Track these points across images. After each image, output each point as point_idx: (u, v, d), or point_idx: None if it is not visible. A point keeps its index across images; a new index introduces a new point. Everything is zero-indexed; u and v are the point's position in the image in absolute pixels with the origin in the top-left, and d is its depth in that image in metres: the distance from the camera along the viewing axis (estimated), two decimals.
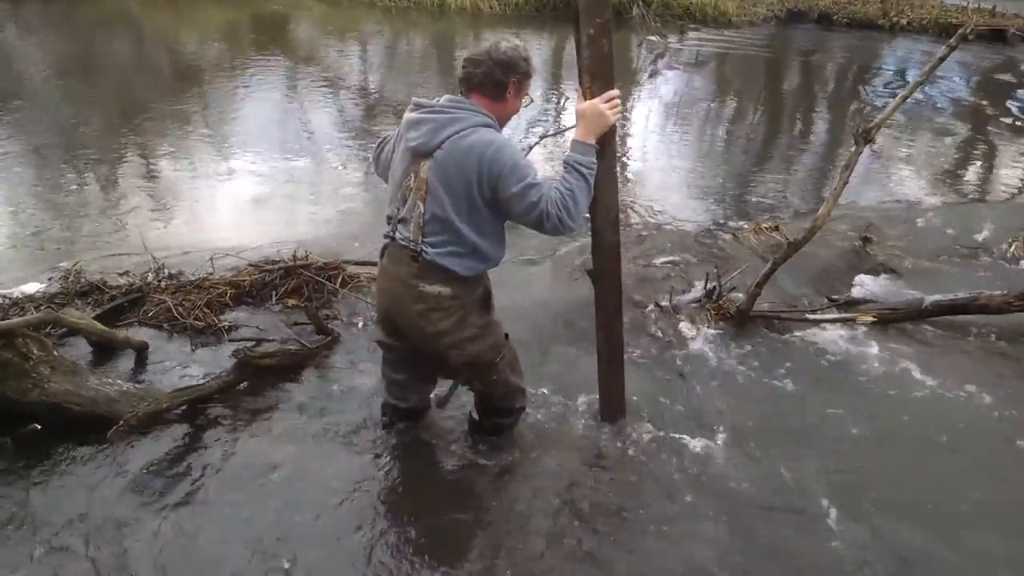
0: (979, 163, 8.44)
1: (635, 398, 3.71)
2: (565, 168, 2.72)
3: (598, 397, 3.60)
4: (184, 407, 3.49)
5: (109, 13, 14.96)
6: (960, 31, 4.19)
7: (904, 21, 16.59)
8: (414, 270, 2.81)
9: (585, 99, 2.81)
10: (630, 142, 8.73)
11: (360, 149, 7.80)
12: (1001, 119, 10.13)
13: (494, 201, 2.71)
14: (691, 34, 15.52)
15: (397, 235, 2.86)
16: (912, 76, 12.90)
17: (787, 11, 17.48)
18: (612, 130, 2.85)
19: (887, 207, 6.72)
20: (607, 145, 2.85)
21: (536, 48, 14.53)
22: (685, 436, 3.57)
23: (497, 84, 2.73)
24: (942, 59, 4.37)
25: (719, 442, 3.57)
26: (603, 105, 2.76)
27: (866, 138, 4.30)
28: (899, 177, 7.71)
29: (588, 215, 2.96)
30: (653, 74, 12.51)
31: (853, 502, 3.24)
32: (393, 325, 3.05)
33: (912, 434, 3.72)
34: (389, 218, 2.91)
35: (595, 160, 2.76)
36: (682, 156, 8.27)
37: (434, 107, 2.75)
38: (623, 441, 3.51)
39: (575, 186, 2.69)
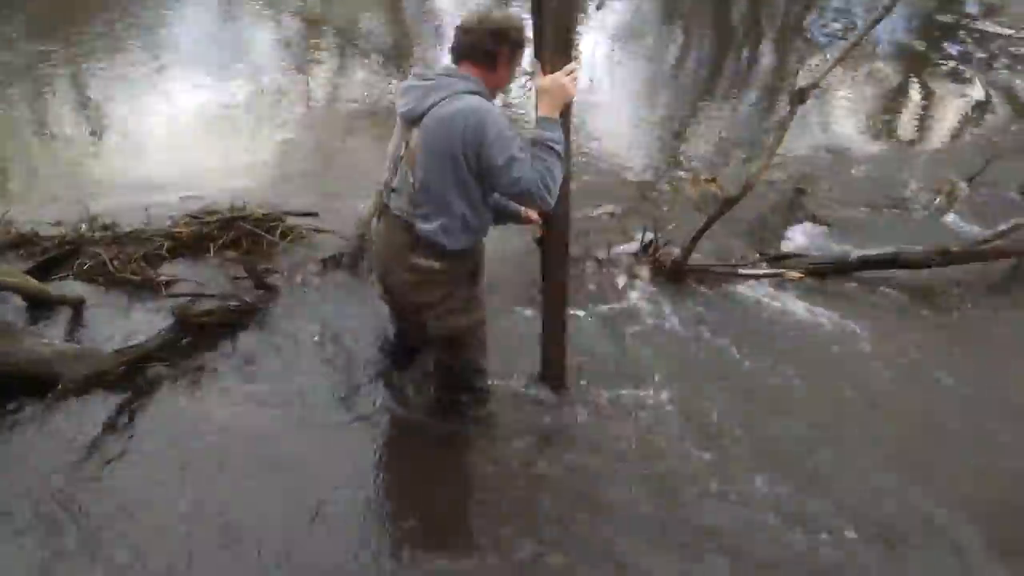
0: (914, 110, 8.57)
1: (571, 357, 3.82)
2: (536, 147, 2.71)
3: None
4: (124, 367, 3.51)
5: None
6: (879, 13, 4.27)
7: None
8: (408, 241, 2.87)
9: (545, 73, 2.80)
10: None
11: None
12: (939, 64, 10.27)
13: (479, 170, 2.71)
14: None
15: (391, 204, 2.91)
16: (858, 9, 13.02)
17: None
18: (569, 106, 2.86)
19: (821, 157, 6.84)
20: (564, 116, 2.86)
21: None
22: (620, 393, 3.71)
23: (487, 53, 2.74)
24: (878, 19, 4.46)
25: (651, 398, 3.71)
26: (565, 79, 2.76)
27: (801, 98, 4.39)
28: (835, 123, 7.84)
29: None
30: (599, 6, 12.37)
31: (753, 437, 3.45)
32: (385, 286, 3.13)
33: (821, 384, 3.93)
34: (384, 184, 2.94)
35: (562, 134, 2.77)
36: (623, 95, 8.27)
37: (425, 75, 2.79)
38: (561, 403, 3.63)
39: (551, 163, 2.69)
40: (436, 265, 2.90)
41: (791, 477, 3.28)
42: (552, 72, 2.78)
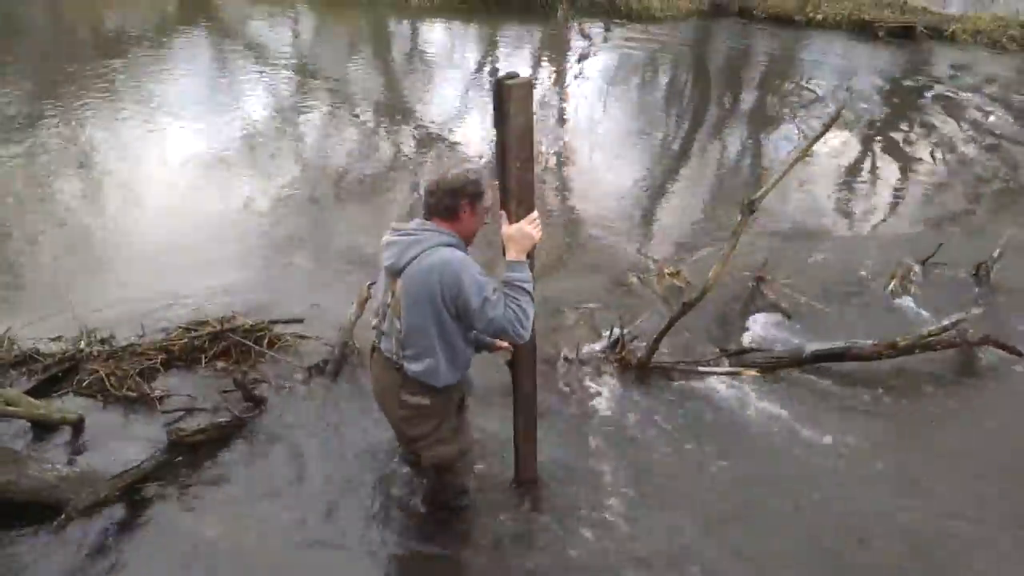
0: (872, 189, 8.96)
1: (539, 458, 4.11)
2: (508, 287, 3.01)
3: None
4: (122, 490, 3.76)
5: None
6: (828, 121, 4.63)
7: (820, 17, 17.18)
8: (398, 380, 3.19)
9: (510, 222, 3.12)
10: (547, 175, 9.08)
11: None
12: (900, 137, 10.73)
13: (458, 313, 3.02)
14: (616, 31, 15.85)
15: (382, 345, 3.23)
16: (826, 73, 13.56)
17: (711, 3, 17.92)
18: (534, 247, 3.18)
19: (781, 242, 7.18)
20: (530, 256, 3.18)
21: (462, 38, 14.81)
22: (581, 498, 3.99)
23: (448, 208, 3.06)
24: (821, 135, 4.80)
25: (611, 504, 3.99)
26: (528, 227, 3.09)
27: (751, 209, 4.72)
28: (795, 206, 8.21)
29: None
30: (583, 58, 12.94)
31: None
32: (384, 413, 3.43)
33: (774, 490, 4.20)
34: (375, 327, 3.26)
35: (530, 275, 3.08)
36: (594, 187, 8.61)
37: (403, 230, 3.10)
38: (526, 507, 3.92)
39: (523, 302, 2.99)
40: (425, 401, 3.21)
41: None
42: (516, 221, 3.10)
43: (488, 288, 2.98)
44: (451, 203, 3.06)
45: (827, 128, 4.79)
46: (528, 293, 3.03)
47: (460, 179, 3.08)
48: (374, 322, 3.30)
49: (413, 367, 3.13)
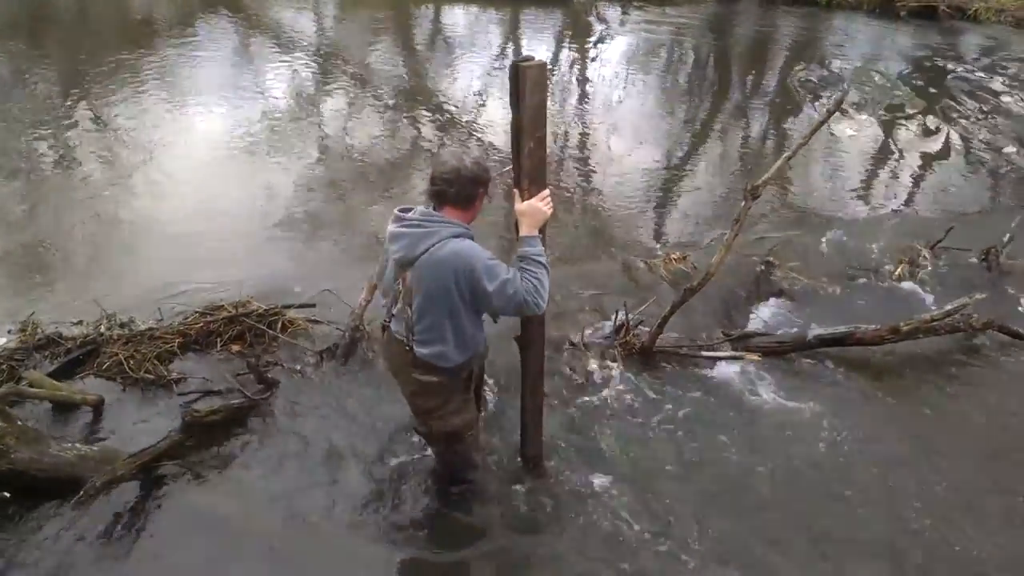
0: (886, 172, 8.93)
1: (544, 439, 4.22)
2: (523, 262, 3.13)
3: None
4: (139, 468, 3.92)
5: None
6: (831, 107, 4.67)
7: None
8: (409, 359, 3.33)
9: (523, 199, 3.22)
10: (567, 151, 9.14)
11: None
12: (916, 120, 10.66)
13: (474, 300, 3.14)
14: (634, 14, 15.79)
15: (392, 327, 3.36)
16: (847, 54, 13.45)
17: None
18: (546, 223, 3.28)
19: (790, 228, 7.20)
20: (542, 232, 3.28)
21: (483, 23, 14.85)
22: (584, 479, 4.11)
23: (468, 197, 3.18)
24: (824, 121, 4.84)
25: (613, 484, 4.10)
26: (540, 203, 3.20)
27: (754, 195, 4.77)
28: (808, 189, 8.22)
29: None
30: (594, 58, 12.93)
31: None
32: (399, 386, 3.58)
33: (774, 471, 4.30)
34: (386, 308, 3.40)
35: (543, 249, 3.20)
36: (609, 169, 8.66)
37: (411, 221, 3.19)
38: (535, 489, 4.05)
39: (539, 274, 3.11)
40: (434, 379, 3.36)
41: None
42: (529, 198, 3.21)
43: (502, 269, 3.10)
44: (471, 192, 3.18)
45: (830, 115, 4.82)
46: (543, 266, 3.15)
47: (477, 168, 3.20)
48: (384, 302, 3.43)
49: (422, 351, 3.27)
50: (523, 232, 3.20)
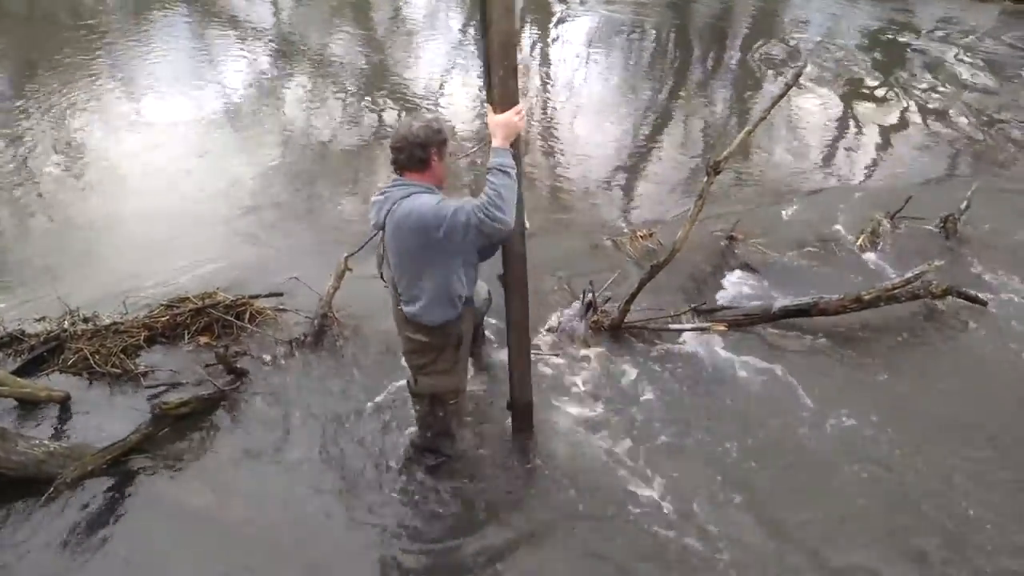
0: (846, 144, 9.05)
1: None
2: (490, 173, 3.16)
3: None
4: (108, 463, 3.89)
5: None
6: (790, 81, 4.72)
7: None
8: (402, 318, 3.56)
9: (496, 112, 3.25)
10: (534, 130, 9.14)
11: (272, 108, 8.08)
12: (874, 91, 10.81)
13: (438, 248, 3.24)
14: None
15: (389, 291, 3.61)
16: (807, 29, 13.56)
17: None
18: (518, 137, 3.30)
19: (754, 202, 7.28)
20: (515, 146, 3.29)
21: (443, 4, 14.75)
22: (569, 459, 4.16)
23: (420, 160, 3.31)
24: (782, 95, 4.89)
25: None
26: (513, 116, 3.23)
27: (716, 170, 4.82)
28: (771, 163, 8.30)
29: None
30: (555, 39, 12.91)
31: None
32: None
33: (748, 430, 4.40)
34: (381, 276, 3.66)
35: (513, 161, 3.23)
36: (574, 148, 8.66)
37: (381, 190, 3.41)
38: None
39: (499, 183, 3.13)
40: (424, 338, 3.56)
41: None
42: (503, 111, 3.24)
43: (449, 206, 3.17)
44: (422, 155, 3.29)
45: (788, 87, 4.89)
46: (507, 175, 3.17)
47: (425, 130, 3.29)
48: (381, 272, 3.67)
49: (408, 309, 3.48)
50: (495, 144, 3.25)
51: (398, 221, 3.26)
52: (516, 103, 3.28)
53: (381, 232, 3.43)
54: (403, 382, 4.48)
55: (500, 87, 3.23)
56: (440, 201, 3.21)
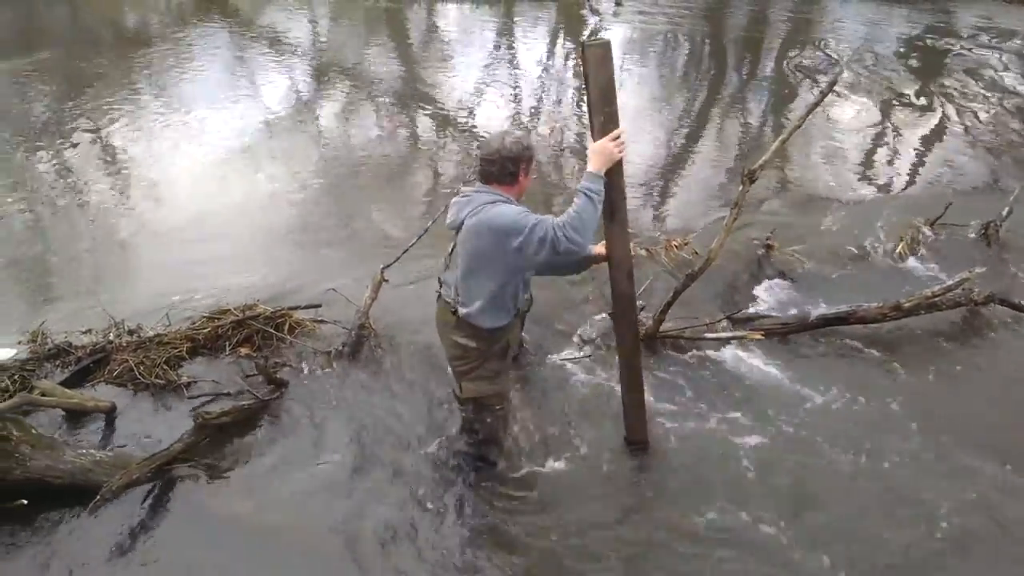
0: (885, 151, 8.96)
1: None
2: (576, 195, 3.30)
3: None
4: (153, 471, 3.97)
5: None
6: (824, 89, 4.70)
7: None
8: (452, 322, 3.65)
9: (595, 138, 3.37)
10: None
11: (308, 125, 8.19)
12: (912, 98, 10.68)
13: (516, 252, 3.33)
14: (627, 4, 15.79)
15: (442, 293, 3.73)
16: (843, 36, 13.44)
17: None
18: (618, 165, 3.42)
19: (791, 210, 7.23)
20: (616, 179, 3.45)
21: (477, 20, 14.86)
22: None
23: (511, 174, 3.48)
24: (818, 103, 4.87)
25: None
26: (609, 143, 3.33)
27: (751, 179, 4.80)
28: (808, 172, 8.24)
29: (607, 262, 3.72)
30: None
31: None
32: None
33: (789, 441, 4.36)
34: (439, 278, 3.78)
35: (602, 188, 3.34)
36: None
37: (463, 193, 3.59)
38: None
39: (580, 207, 3.26)
40: (472, 344, 3.65)
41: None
42: (601, 137, 3.35)
43: (530, 219, 3.29)
44: (512, 169, 3.47)
45: (823, 96, 4.86)
46: (590, 200, 3.28)
47: (516, 146, 3.47)
48: (440, 276, 3.78)
49: (463, 310, 3.57)
50: (589, 168, 3.36)
51: (478, 224, 3.38)
52: (614, 118, 3.39)
53: (455, 232, 3.57)
54: (441, 391, 4.56)
55: (600, 131, 3.37)
56: (522, 213, 3.34)
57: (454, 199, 3.62)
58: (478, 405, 3.87)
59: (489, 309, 3.54)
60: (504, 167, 3.44)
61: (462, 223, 3.48)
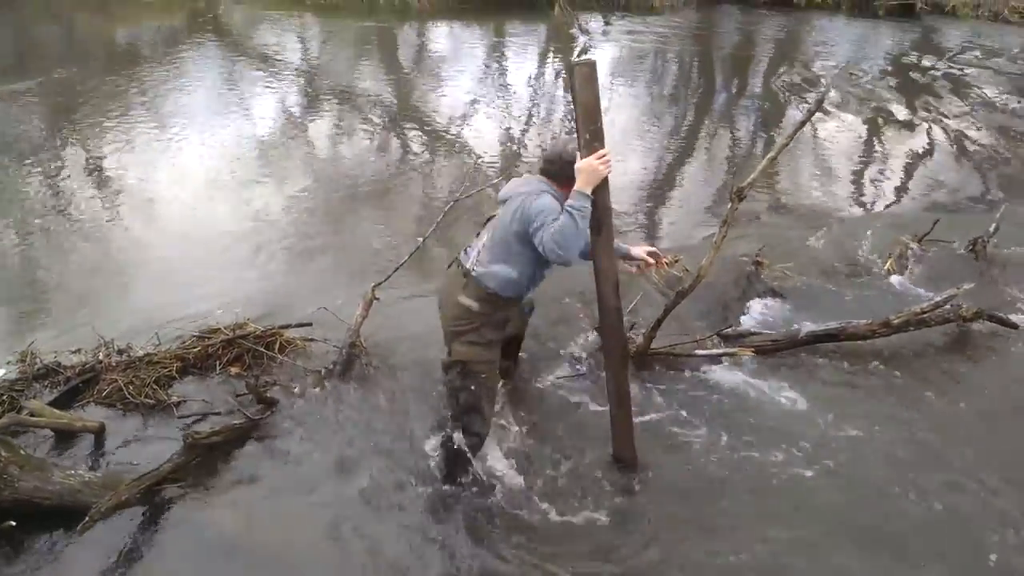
0: (872, 169, 9.05)
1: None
2: (563, 211, 3.51)
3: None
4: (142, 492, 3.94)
5: None
6: (812, 107, 4.74)
7: None
8: (461, 283, 3.86)
9: (582, 157, 3.55)
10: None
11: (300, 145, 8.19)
12: (899, 116, 10.79)
13: (531, 239, 3.62)
14: (615, 24, 15.93)
15: (460, 259, 3.93)
16: (829, 54, 13.58)
17: None
18: (604, 183, 3.58)
19: (780, 227, 7.28)
20: (602, 198, 3.59)
21: (467, 39, 14.94)
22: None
23: (567, 177, 3.65)
24: (805, 120, 4.91)
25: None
26: (595, 161, 3.50)
27: (740, 196, 4.83)
28: (795, 189, 8.31)
29: (593, 272, 3.86)
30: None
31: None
32: (441, 315, 4.03)
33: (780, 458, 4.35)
34: (465, 247, 4.00)
35: (587, 205, 3.51)
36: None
37: (526, 177, 3.94)
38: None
39: (563, 223, 3.47)
40: (475, 306, 3.82)
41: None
42: (588, 155, 3.51)
43: (548, 219, 3.54)
44: (570, 173, 3.63)
45: (811, 114, 4.89)
46: (572, 217, 3.47)
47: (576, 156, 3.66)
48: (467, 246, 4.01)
49: (479, 269, 3.80)
50: (576, 186, 3.54)
51: (522, 201, 3.66)
52: (599, 137, 3.53)
53: (498, 206, 3.91)
54: (433, 409, 4.56)
55: (586, 148, 3.52)
56: (550, 212, 3.56)
57: (515, 180, 3.92)
58: (465, 371, 3.93)
59: (498, 271, 3.75)
60: (563, 169, 3.68)
61: (508, 198, 3.80)
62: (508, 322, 4.05)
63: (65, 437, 4.36)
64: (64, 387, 4.71)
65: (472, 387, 3.95)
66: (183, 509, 3.93)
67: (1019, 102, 11.03)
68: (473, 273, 3.80)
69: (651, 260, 4.36)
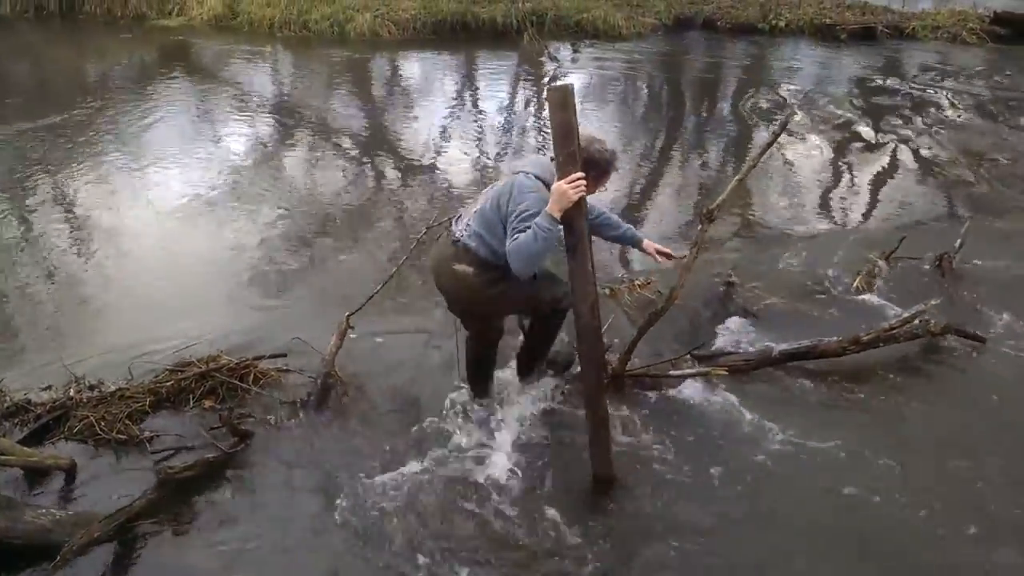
0: (839, 188, 9.18)
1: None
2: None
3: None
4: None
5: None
6: (777, 130, 4.83)
7: (782, 23, 17.46)
8: (451, 253, 4.07)
9: (559, 179, 3.63)
10: None
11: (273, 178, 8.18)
12: (865, 136, 10.99)
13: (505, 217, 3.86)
14: (584, 51, 16.11)
15: (452, 228, 4.14)
16: (794, 78, 13.82)
17: (675, 18, 18.21)
18: (578, 207, 3.63)
19: (750, 248, 7.38)
20: (575, 221, 3.68)
21: (438, 69, 15.05)
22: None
23: (597, 172, 3.93)
24: (771, 143, 4.99)
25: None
26: (566, 185, 3.56)
27: (710, 218, 4.89)
28: (765, 209, 8.42)
29: (572, 295, 3.95)
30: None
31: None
32: (441, 290, 4.30)
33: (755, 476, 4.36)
34: (458, 214, 4.24)
35: (550, 225, 3.64)
36: None
37: (540, 155, 3.95)
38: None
39: (523, 241, 3.68)
40: (468, 271, 4.01)
41: None
42: (562, 177, 3.59)
43: (528, 221, 3.70)
44: (595, 169, 3.90)
45: (776, 137, 4.97)
46: (536, 237, 3.64)
47: (600, 155, 4.00)
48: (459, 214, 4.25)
49: (465, 236, 4.02)
50: (547, 207, 3.66)
51: (516, 186, 3.90)
52: (573, 160, 3.60)
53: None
54: (409, 437, 4.55)
55: (561, 170, 3.64)
56: (535, 204, 3.74)
57: (536, 155, 4.05)
58: (554, 312, 4.47)
59: (490, 244, 3.95)
60: (593, 156, 3.86)
61: (515, 173, 4.02)
62: (512, 290, 4.14)
63: (36, 475, 4.29)
64: (34, 424, 4.65)
65: (557, 321, 4.60)
66: (157, 545, 3.89)
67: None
68: (463, 243, 3.99)
69: (660, 258, 4.74)
